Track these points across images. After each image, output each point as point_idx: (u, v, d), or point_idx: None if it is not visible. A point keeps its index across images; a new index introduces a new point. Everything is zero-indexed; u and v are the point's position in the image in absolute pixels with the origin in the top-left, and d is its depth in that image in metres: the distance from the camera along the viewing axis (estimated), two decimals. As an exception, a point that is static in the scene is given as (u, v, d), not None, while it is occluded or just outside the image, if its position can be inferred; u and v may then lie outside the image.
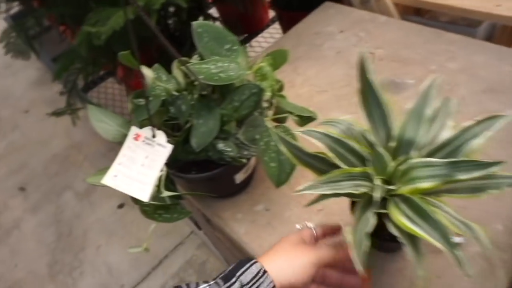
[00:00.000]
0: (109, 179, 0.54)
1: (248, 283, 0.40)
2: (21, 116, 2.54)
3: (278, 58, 0.65)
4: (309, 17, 1.04)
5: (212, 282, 0.41)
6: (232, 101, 0.56)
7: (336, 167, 0.43)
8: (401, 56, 0.85)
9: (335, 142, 0.44)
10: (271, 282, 0.40)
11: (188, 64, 0.52)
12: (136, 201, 0.60)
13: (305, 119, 0.62)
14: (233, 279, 0.40)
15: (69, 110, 0.95)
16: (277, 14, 1.39)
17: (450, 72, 0.79)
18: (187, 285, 0.41)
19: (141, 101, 0.63)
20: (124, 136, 0.57)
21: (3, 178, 2.21)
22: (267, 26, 1.69)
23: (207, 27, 0.58)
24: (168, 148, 0.58)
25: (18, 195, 2.11)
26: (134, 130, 0.57)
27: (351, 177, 0.42)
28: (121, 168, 0.55)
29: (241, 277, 0.40)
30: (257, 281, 0.40)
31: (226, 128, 0.54)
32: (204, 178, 0.60)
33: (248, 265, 0.41)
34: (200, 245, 1.66)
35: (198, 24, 0.58)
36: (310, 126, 0.52)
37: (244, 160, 0.57)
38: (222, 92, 0.57)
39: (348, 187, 0.42)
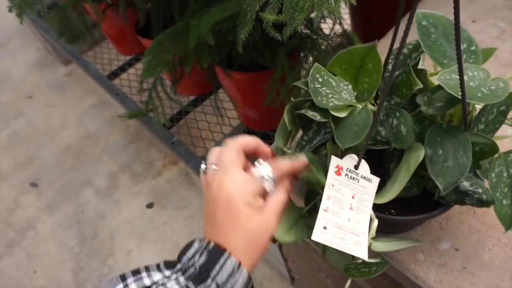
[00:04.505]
0: (319, 234, 0.39)
1: (225, 282, 0.34)
2: (24, 102, 2.29)
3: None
4: (423, 5, 0.89)
5: (183, 283, 0.34)
6: (478, 123, 0.41)
7: None
8: None
9: None
10: (246, 275, 0.36)
11: (442, 74, 0.37)
12: (326, 253, 0.46)
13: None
14: (209, 281, 0.34)
15: (146, 110, 0.78)
16: None
17: None
18: (147, 267, 0.35)
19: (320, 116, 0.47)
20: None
21: (10, 172, 1.99)
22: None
23: (434, 19, 0.42)
24: (375, 182, 0.44)
25: (30, 192, 1.90)
26: (335, 161, 0.42)
27: None
28: (329, 216, 0.40)
29: (217, 278, 0.34)
30: (233, 278, 0.35)
31: (481, 162, 0.40)
32: (416, 219, 0.46)
33: (222, 260, 0.35)
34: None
35: (422, 14, 0.42)
36: None
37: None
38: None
39: None
